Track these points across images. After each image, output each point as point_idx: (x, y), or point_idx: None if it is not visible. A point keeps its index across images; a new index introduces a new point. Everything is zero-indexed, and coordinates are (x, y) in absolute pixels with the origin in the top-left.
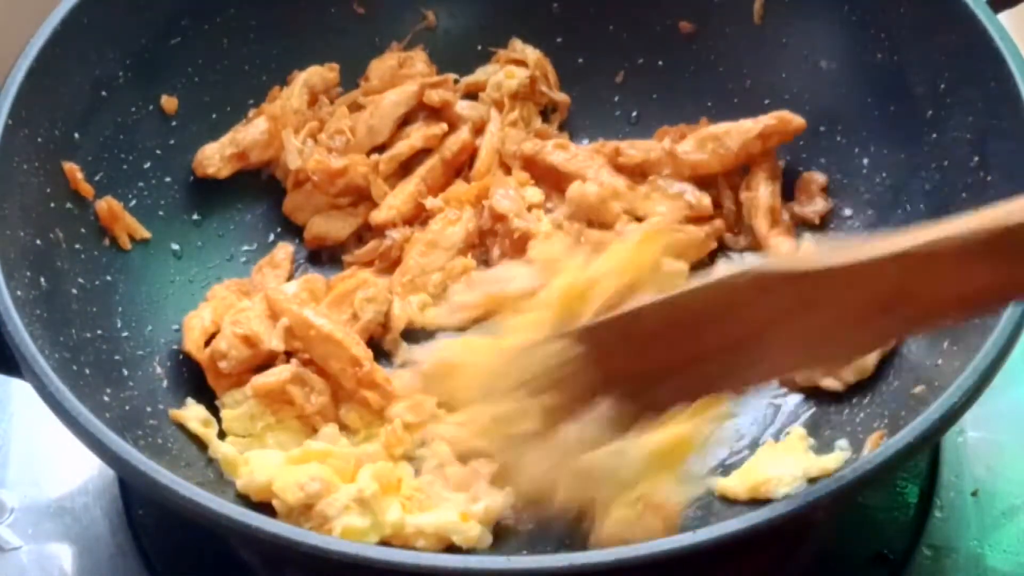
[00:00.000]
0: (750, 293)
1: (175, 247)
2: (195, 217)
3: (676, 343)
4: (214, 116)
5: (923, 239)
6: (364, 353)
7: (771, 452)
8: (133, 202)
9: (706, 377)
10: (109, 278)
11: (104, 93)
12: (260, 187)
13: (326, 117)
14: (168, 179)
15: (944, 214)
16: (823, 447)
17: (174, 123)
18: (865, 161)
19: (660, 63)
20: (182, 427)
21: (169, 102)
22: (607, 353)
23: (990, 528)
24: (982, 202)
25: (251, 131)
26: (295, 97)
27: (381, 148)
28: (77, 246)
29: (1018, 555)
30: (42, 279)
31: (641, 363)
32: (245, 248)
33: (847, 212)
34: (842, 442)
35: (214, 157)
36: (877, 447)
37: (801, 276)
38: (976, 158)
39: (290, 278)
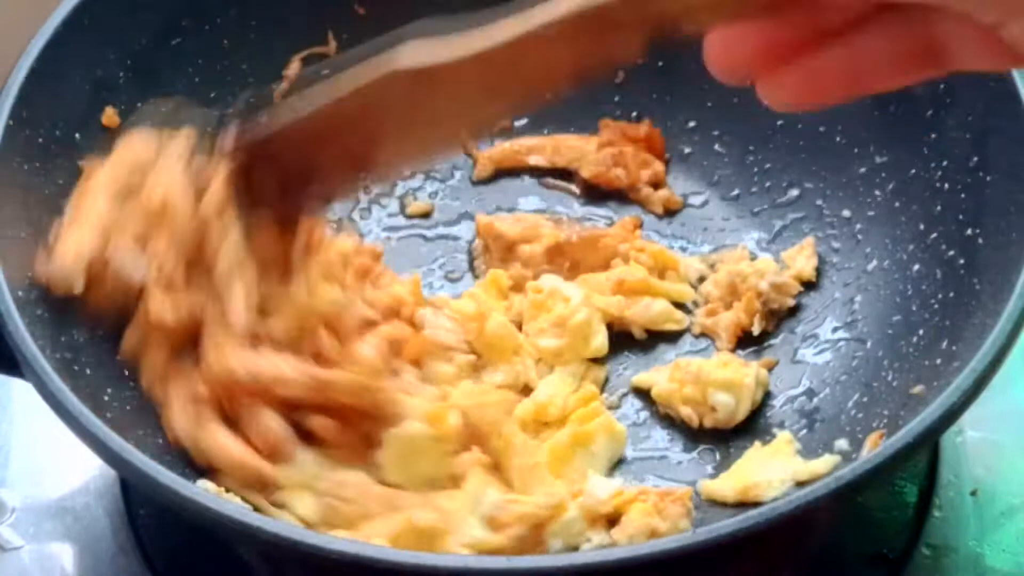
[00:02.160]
0: (391, 90)
1: None
2: None
3: (333, 141)
4: None
5: (520, 30)
6: None
7: (758, 456)
8: None
9: (355, 165)
10: None
11: (105, 93)
12: None
13: None
14: None
15: (943, 214)
16: (821, 446)
17: None
18: (865, 161)
19: (660, 63)
20: None
21: None
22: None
23: (989, 528)
24: (982, 202)
25: None
26: None
27: None
28: None
29: (1017, 555)
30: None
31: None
32: None
33: (846, 213)
34: (841, 442)
35: None
36: (876, 447)
37: (432, 70)
38: (976, 158)
39: None
